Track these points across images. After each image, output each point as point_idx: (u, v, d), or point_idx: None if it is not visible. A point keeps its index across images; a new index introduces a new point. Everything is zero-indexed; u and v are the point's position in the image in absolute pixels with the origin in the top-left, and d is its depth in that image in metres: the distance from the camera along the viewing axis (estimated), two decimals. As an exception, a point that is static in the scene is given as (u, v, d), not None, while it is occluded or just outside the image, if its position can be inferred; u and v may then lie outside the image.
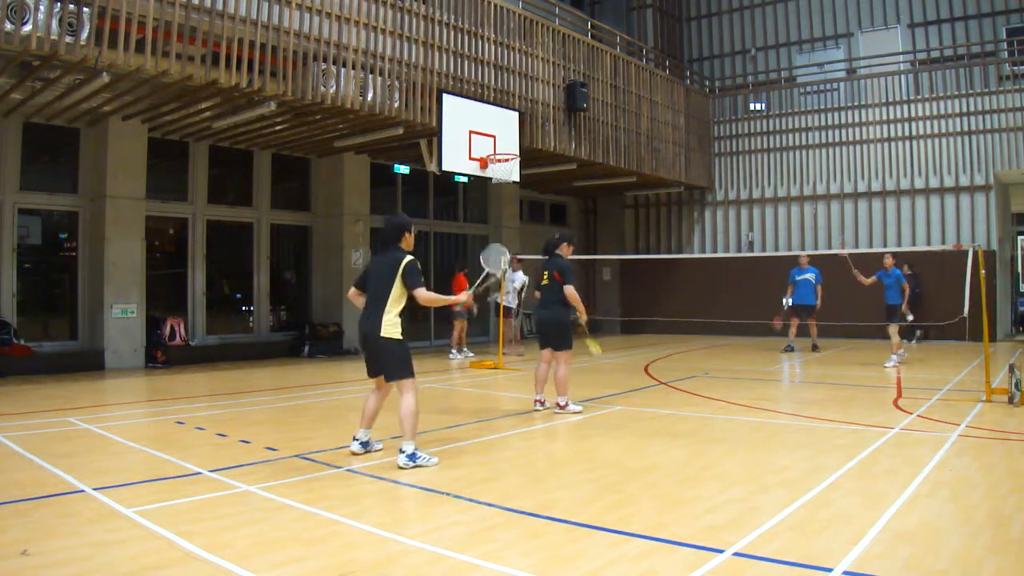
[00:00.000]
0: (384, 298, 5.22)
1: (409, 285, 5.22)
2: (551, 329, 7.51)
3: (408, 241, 5.44)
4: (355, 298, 5.51)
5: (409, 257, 5.28)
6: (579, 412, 7.45)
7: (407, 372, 5.26)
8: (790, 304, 14.12)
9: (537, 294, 7.76)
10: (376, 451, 5.61)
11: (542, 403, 7.67)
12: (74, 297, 11.89)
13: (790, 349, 14.05)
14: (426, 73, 11.44)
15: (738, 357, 12.94)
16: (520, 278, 13.50)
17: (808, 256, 14.23)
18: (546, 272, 7.51)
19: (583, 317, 7.55)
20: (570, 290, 7.27)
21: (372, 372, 5.47)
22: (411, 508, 4.29)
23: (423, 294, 5.26)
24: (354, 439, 5.57)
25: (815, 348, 14.24)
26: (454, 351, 13.37)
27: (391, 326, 5.22)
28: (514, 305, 13.43)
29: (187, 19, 8.54)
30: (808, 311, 14.06)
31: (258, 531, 3.81)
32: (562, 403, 7.44)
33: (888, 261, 11.79)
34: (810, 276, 13.94)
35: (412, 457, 5.10)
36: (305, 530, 3.82)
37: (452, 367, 12.16)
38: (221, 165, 13.58)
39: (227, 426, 6.81)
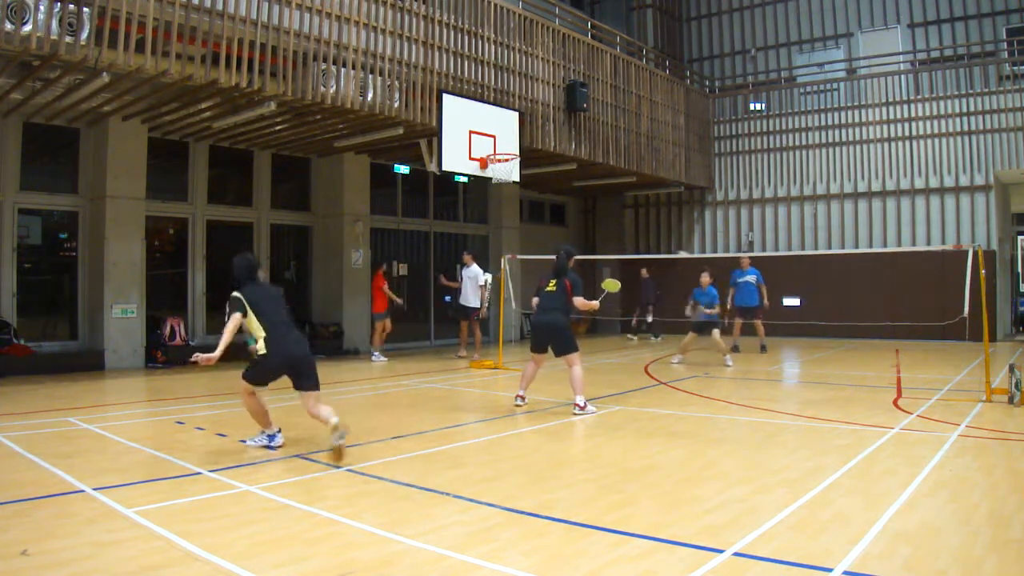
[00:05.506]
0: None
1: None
2: (554, 334, 7.72)
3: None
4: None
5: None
6: (595, 412, 7.52)
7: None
8: (731, 306, 13.88)
9: (535, 300, 8.00)
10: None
11: (523, 399, 7.94)
12: (74, 297, 11.87)
13: (735, 349, 13.72)
14: (426, 73, 11.44)
15: (737, 357, 12.93)
16: (477, 273, 13.19)
17: (749, 258, 13.98)
18: (554, 280, 7.80)
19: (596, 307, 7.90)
20: (581, 300, 7.71)
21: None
22: (411, 508, 4.28)
23: None
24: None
25: (763, 349, 14.04)
26: (376, 353, 12.98)
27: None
28: (477, 305, 13.25)
29: (187, 19, 8.54)
30: (751, 312, 13.83)
31: (258, 531, 3.81)
32: (580, 403, 7.49)
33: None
34: (751, 278, 13.71)
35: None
36: (305, 530, 3.82)
37: (374, 369, 11.87)
38: (221, 165, 13.56)
39: (227, 426, 6.82)
